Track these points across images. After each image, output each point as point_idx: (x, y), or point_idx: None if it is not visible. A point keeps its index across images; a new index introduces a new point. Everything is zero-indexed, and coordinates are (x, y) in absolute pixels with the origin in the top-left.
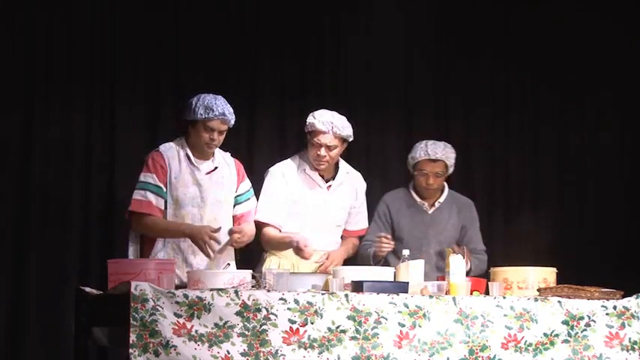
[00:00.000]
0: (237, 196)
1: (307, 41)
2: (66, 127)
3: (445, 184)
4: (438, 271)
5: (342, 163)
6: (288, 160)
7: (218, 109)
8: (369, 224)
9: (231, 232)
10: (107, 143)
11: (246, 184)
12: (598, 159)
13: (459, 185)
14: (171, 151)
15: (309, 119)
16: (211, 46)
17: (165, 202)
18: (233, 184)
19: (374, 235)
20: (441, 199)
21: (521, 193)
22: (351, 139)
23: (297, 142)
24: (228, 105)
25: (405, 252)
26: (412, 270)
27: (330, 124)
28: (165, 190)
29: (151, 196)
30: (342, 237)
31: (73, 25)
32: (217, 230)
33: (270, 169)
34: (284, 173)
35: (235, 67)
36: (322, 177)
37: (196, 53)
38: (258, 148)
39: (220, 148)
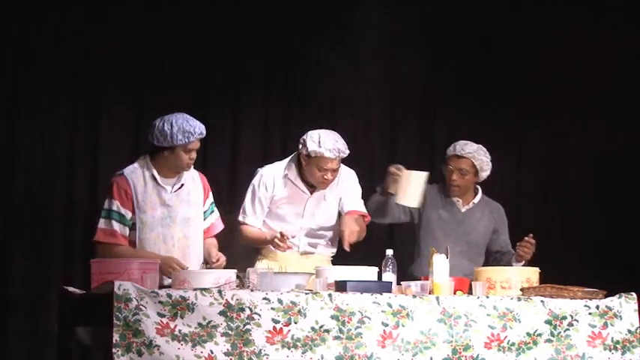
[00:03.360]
0: (204, 212)
1: (292, 48)
2: (51, 131)
3: (479, 187)
4: (459, 272)
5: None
6: (279, 163)
7: (196, 130)
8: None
9: (213, 262)
10: (91, 147)
11: (210, 198)
12: (583, 158)
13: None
14: (135, 173)
15: (311, 145)
16: (196, 53)
17: (132, 226)
18: (200, 199)
19: None
20: (475, 200)
21: (505, 193)
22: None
23: (280, 148)
24: (197, 120)
25: (389, 252)
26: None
27: (337, 151)
28: (129, 216)
29: (116, 225)
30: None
31: (58, 33)
32: (183, 267)
33: (260, 170)
34: (273, 176)
35: (219, 75)
36: (306, 182)
37: (181, 60)
38: (243, 154)
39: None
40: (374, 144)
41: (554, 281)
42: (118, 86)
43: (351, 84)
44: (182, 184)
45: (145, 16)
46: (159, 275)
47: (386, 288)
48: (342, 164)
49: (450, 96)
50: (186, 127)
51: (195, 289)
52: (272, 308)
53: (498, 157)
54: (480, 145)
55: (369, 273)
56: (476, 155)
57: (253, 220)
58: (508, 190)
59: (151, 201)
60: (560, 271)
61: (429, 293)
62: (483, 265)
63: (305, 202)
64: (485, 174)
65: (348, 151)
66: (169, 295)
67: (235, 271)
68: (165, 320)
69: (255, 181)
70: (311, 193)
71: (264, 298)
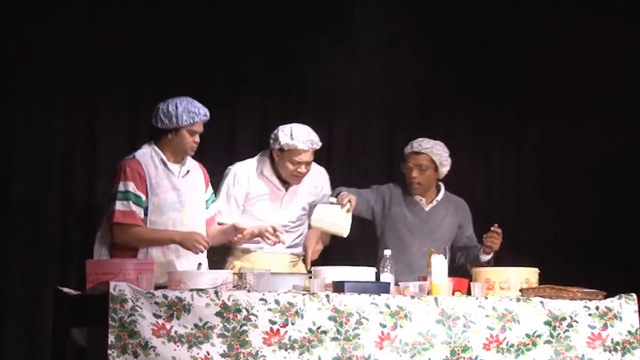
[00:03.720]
0: (206, 200)
1: (291, 47)
2: (48, 130)
3: (441, 184)
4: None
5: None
6: (250, 160)
7: (201, 111)
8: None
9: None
10: (88, 146)
11: (211, 188)
12: (584, 157)
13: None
14: (146, 157)
15: (283, 138)
16: (194, 51)
17: (145, 209)
18: (202, 187)
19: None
20: (439, 198)
21: (504, 193)
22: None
23: None
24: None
25: (387, 252)
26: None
27: (310, 142)
28: (144, 198)
29: (134, 206)
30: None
31: (56, 32)
32: (208, 241)
33: (232, 167)
34: (247, 173)
35: (217, 74)
36: (280, 178)
37: (179, 59)
38: (239, 151)
39: (199, 152)
40: (372, 144)
41: (553, 282)
42: (115, 85)
43: (350, 83)
44: (188, 171)
45: (142, 15)
46: (154, 275)
47: (384, 289)
48: (322, 170)
49: (450, 96)
50: (191, 108)
51: (191, 290)
52: (269, 309)
53: (498, 157)
54: (438, 141)
55: (366, 273)
56: (434, 150)
57: (228, 218)
58: (507, 190)
59: (162, 184)
60: (559, 271)
61: (428, 294)
62: (450, 262)
63: (281, 199)
64: (445, 169)
65: (320, 143)
66: (165, 296)
67: (232, 271)
68: (161, 321)
69: (228, 179)
70: (286, 190)
71: (261, 299)
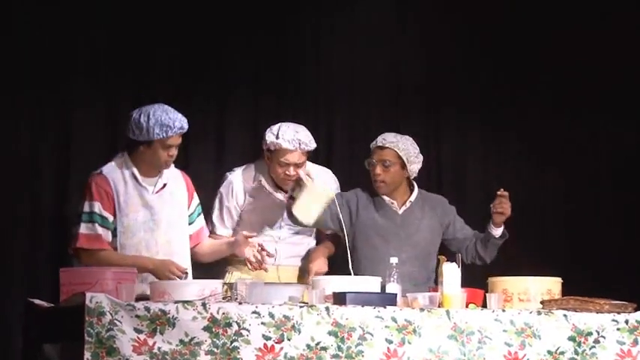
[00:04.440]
0: (190, 214)
1: (284, 37)
2: (14, 131)
3: (414, 184)
4: (410, 280)
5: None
6: (249, 167)
7: (176, 124)
8: None
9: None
10: (61, 149)
11: (196, 199)
12: (606, 158)
13: (450, 187)
14: (114, 172)
15: (270, 137)
16: (178, 45)
17: (114, 231)
18: (184, 200)
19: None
20: (412, 198)
21: (521, 194)
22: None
23: None
24: (179, 113)
25: (393, 260)
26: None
27: (297, 142)
28: (111, 219)
29: (100, 229)
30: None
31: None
32: (184, 271)
33: (229, 175)
34: (244, 182)
35: (203, 66)
36: (281, 189)
37: (161, 55)
38: (230, 155)
39: (187, 153)
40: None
41: (577, 293)
42: (92, 82)
43: (349, 81)
44: (164, 184)
45: (123, 7)
46: (136, 286)
47: (390, 300)
48: (328, 172)
49: (456, 93)
50: (165, 120)
51: (176, 302)
52: (262, 323)
53: (512, 159)
54: (407, 136)
55: (371, 283)
56: (399, 145)
57: (222, 231)
58: (525, 193)
59: (132, 203)
60: (584, 281)
61: (439, 306)
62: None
63: (282, 210)
64: (415, 167)
65: (313, 145)
66: (147, 309)
67: (221, 281)
68: (142, 337)
69: (223, 188)
70: (286, 198)
71: (254, 312)
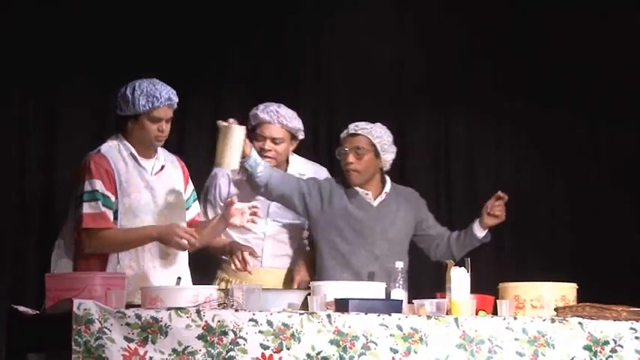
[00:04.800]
0: (186, 200)
1: (283, 28)
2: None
3: (386, 176)
4: (388, 277)
5: (294, 160)
6: None
7: (162, 94)
8: None
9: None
10: (47, 141)
11: (191, 184)
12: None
13: (463, 188)
14: (113, 151)
15: (252, 112)
16: (174, 42)
17: (115, 212)
18: (181, 184)
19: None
20: (387, 189)
21: (532, 194)
22: (301, 136)
23: None
24: (168, 86)
25: (399, 264)
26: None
27: (276, 114)
28: (113, 199)
29: (104, 207)
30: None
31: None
32: (192, 233)
33: (216, 169)
34: (228, 174)
35: (199, 57)
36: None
37: (153, 44)
38: None
39: (181, 148)
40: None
41: (593, 299)
42: (80, 70)
43: (352, 73)
44: (162, 166)
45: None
46: (126, 292)
47: (395, 307)
48: (321, 167)
49: (457, 91)
50: (151, 91)
51: (168, 309)
52: (260, 331)
53: (523, 158)
54: (380, 123)
55: (375, 289)
56: (373, 132)
57: None
58: (536, 193)
59: (134, 183)
60: (602, 286)
61: (447, 313)
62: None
63: (267, 206)
64: (388, 157)
65: (295, 123)
66: (138, 316)
67: (216, 287)
68: (133, 346)
69: (208, 181)
70: None
71: (251, 320)
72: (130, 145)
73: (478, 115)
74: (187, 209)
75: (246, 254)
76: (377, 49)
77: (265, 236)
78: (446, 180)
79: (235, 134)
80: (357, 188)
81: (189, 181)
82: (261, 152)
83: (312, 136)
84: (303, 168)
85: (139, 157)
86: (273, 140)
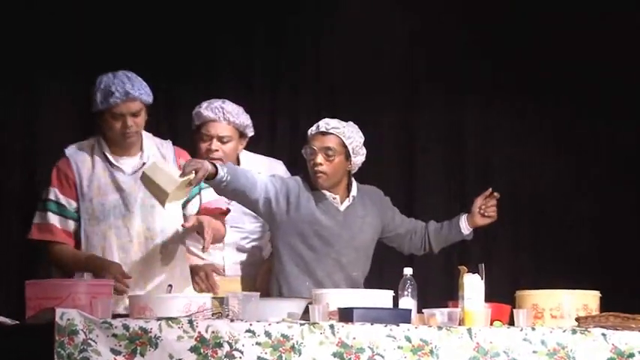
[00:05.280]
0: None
1: (282, 27)
2: None
3: (352, 178)
4: (352, 286)
5: (246, 157)
6: None
7: (118, 89)
8: None
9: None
10: (27, 138)
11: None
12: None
13: (474, 186)
14: (79, 153)
15: (195, 110)
16: (167, 30)
17: (78, 219)
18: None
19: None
20: (354, 192)
21: (552, 193)
22: (251, 133)
23: (266, 138)
24: (134, 78)
25: (408, 271)
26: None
27: (221, 110)
28: (73, 205)
29: (53, 218)
30: None
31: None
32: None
33: None
34: None
35: (195, 57)
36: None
37: (140, 32)
38: None
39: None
40: (386, 136)
41: (617, 308)
42: (63, 65)
43: (357, 65)
44: (144, 163)
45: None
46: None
47: (403, 317)
48: (277, 160)
49: (482, 79)
50: (107, 86)
51: (158, 319)
52: (258, 343)
53: (545, 153)
54: (352, 122)
55: (381, 298)
56: (345, 132)
57: None
58: (556, 192)
59: (99, 186)
60: (627, 295)
61: (459, 324)
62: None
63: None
64: (358, 159)
65: (243, 119)
66: (126, 327)
67: (210, 295)
68: (120, 358)
69: None
70: None
71: (248, 331)
72: (104, 144)
73: (491, 110)
74: (188, 201)
75: (210, 273)
76: (378, 46)
77: (225, 244)
78: (458, 180)
79: (155, 169)
80: (325, 192)
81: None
82: (208, 153)
83: None
84: (257, 164)
85: (112, 157)
86: (220, 139)
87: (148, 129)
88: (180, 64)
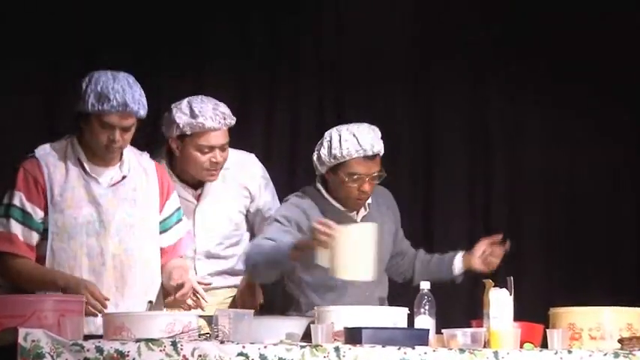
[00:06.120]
0: (161, 221)
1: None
2: None
3: None
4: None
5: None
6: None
7: (117, 97)
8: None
9: (173, 286)
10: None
11: (174, 201)
12: None
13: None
14: (52, 156)
15: (182, 118)
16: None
17: (44, 232)
18: (154, 200)
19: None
20: (369, 200)
21: (589, 198)
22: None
23: (262, 132)
24: (136, 87)
25: (424, 285)
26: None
27: (221, 116)
28: (39, 215)
29: (16, 227)
30: None
31: None
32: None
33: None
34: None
35: (178, 34)
36: (187, 183)
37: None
38: None
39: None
40: (399, 129)
41: None
42: (36, 50)
43: (366, 47)
44: (124, 176)
45: None
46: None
47: (419, 338)
48: (251, 158)
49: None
50: (104, 90)
51: (137, 340)
52: None
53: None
54: (367, 124)
55: (395, 316)
56: (381, 144)
57: None
58: (595, 191)
59: (73, 196)
60: None
61: (484, 346)
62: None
63: (192, 214)
64: None
65: (234, 118)
66: (100, 349)
67: (197, 313)
68: None
69: None
70: (197, 199)
71: (240, 354)
72: (79, 149)
73: (518, 102)
74: (165, 231)
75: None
76: (385, 26)
77: (196, 252)
78: (483, 178)
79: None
80: (340, 207)
81: (173, 196)
82: (211, 165)
83: (316, 132)
84: (244, 157)
85: (87, 165)
86: (222, 148)
87: None
88: (165, 49)
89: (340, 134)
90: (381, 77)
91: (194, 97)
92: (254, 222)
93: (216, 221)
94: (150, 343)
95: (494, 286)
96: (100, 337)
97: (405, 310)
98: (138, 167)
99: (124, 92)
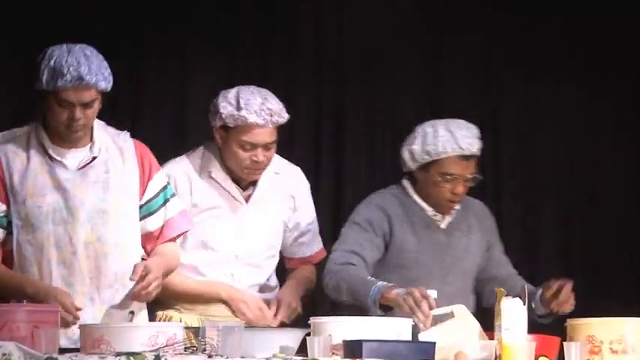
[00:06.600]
0: (144, 204)
1: None
2: None
3: None
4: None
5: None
6: (191, 155)
7: (70, 70)
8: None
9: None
10: None
11: (159, 180)
12: None
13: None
14: (11, 144)
15: (226, 108)
16: None
17: (8, 225)
18: (131, 181)
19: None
20: (457, 206)
21: (610, 201)
22: None
23: None
24: (94, 58)
25: (432, 293)
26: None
27: (268, 113)
28: (2, 208)
29: None
30: (290, 269)
31: None
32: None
33: (164, 167)
34: (189, 176)
35: (162, 17)
36: (238, 184)
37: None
38: (192, 134)
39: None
40: (407, 121)
41: None
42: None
43: (374, 33)
44: (94, 157)
45: None
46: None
47: (425, 352)
48: (298, 171)
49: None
50: (58, 64)
51: (117, 354)
52: None
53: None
54: (465, 122)
55: (398, 327)
56: (479, 144)
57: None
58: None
59: (36, 184)
60: None
61: None
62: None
63: (242, 215)
64: None
65: (285, 116)
66: None
67: (182, 324)
68: None
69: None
70: (247, 200)
71: None
72: (43, 133)
73: (533, 89)
74: (147, 216)
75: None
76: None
77: (237, 258)
78: (492, 182)
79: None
80: (427, 208)
81: (156, 175)
82: (254, 165)
83: (314, 129)
84: (278, 165)
85: (52, 149)
86: (266, 147)
87: (104, 112)
88: (146, 30)
89: (436, 129)
90: (381, 77)
91: (245, 86)
92: (288, 239)
93: (262, 228)
94: (131, 357)
95: (506, 295)
96: (77, 350)
97: (409, 321)
98: (112, 147)
99: (79, 65)
